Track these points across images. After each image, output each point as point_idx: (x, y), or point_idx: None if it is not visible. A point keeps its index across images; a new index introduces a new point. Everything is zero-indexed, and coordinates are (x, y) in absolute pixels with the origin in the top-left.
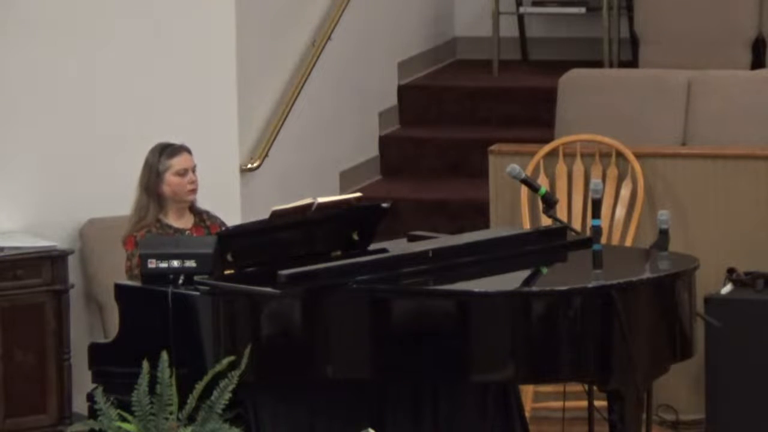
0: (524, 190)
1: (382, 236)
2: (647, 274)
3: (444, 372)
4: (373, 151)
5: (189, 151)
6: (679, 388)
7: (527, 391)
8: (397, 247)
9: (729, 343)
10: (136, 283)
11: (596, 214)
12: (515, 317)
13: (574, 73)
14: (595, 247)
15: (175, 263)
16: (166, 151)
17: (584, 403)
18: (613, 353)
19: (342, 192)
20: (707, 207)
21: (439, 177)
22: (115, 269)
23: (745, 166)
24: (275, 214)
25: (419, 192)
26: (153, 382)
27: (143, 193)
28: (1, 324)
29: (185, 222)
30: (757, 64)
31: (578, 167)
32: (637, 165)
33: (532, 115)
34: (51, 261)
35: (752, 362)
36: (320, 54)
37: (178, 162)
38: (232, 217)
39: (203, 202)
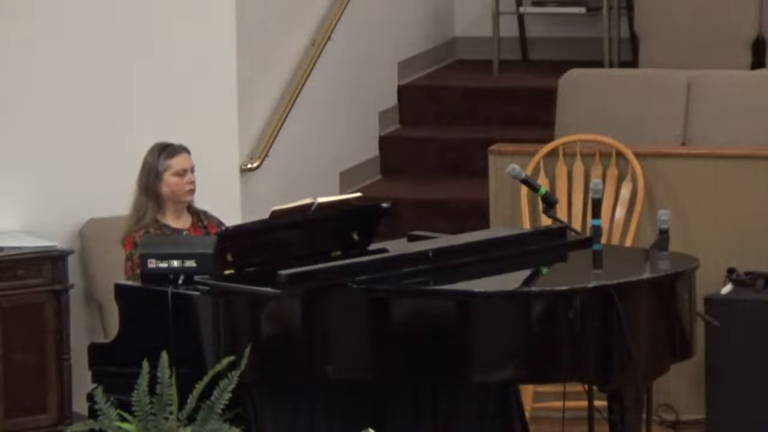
0: (524, 190)
1: (382, 236)
2: (647, 274)
3: (444, 372)
4: (373, 151)
5: (188, 151)
6: (679, 388)
7: (527, 391)
8: (397, 247)
9: (729, 343)
10: (136, 283)
11: (596, 214)
12: (515, 317)
13: (574, 73)
14: (595, 247)
15: (175, 263)
16: (165, 151)
17: (584, 403)
18: (613, 353)
19: (342, 192)
20: (707, 207)
21: (439, 177)
22: (115, 269)
23: (745, 166)
24: (275, 214)
25: (419, 192)
26: (153, 382)
27: (142, 193)
28: (1, 324)
29: (183, 222)
30: (757, 64)
31: (578, 167)
32: (637, 165)
33: (532, 115)
34: (51, 261)
35: (752, 362)
36: (320, 54)
37: (177, 162)
38: (232, 217)
39: (203, 202)
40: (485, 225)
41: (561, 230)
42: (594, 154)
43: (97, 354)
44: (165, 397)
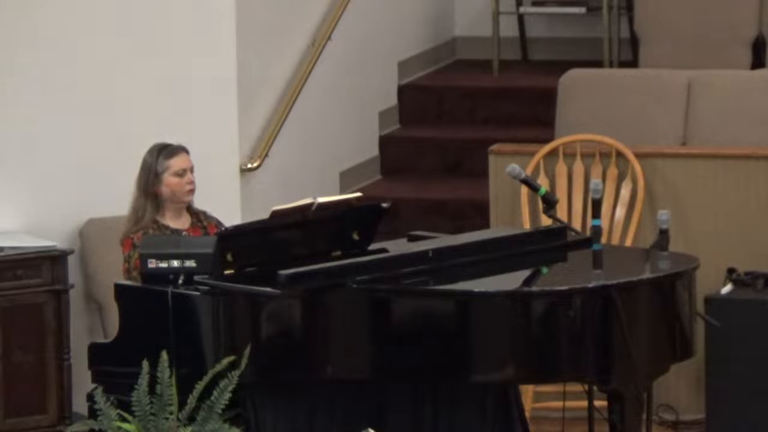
0: (524, 190)
1: (382, 236)
2: (647, 274)
3: (444, 372)
4: (373, 151)
5: (187, 152)
6: (679, 388)
7: (527, 391)
8: (397, 247)
9: (729, 343)
10: (136, 283)
11: (596, 214)
12: (515, 317)
13: (574, 73)
14: (595, 247)
15: (175, 263)
16: (164, 151)
17: (584, 403)
18: (613, 353)
19: (342, 192)
20: (707, 207)
21: (439, 177)
22: (115, 269)
23: (745, 166)
24: (275, 214)
25: (419, 192)
26: (153, 382)
27: (141, 194)
28: (1, 324)
29: (182, 223)
30: (757, 64)
31: (578, 167)
32: (637, 165)
33: (532, 115)
34: (51, 261)
35: (752, 362)
36: (320, 54)
37: (176, 162)
38: (232, 217)
39: (203, 202)
40: (485, 225)
41: (561, 230)
42: (594, 154)
43: (97, 354)
44: (165, 397)
